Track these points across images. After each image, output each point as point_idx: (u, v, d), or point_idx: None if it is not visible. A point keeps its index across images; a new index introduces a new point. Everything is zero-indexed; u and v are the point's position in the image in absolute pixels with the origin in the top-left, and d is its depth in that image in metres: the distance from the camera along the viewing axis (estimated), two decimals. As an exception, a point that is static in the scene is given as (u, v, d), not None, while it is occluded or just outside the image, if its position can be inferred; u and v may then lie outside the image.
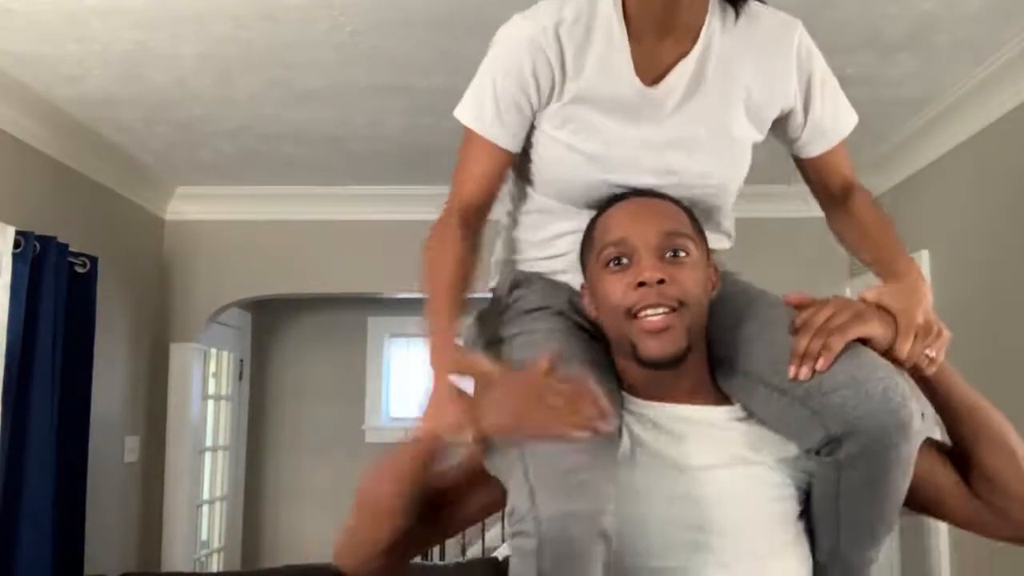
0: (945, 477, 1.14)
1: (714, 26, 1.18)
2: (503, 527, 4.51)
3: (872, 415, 1.02)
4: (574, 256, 1.23)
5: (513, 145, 1.22)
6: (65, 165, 3.28)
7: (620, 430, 1.11)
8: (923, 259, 3.31)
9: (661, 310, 1.10)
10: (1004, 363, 2.80)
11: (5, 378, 2.65)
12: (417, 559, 3.87)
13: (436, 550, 4.60)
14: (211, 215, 4.19)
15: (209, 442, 4.75)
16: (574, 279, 1.23)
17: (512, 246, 1.32)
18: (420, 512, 1.12)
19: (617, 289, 1.12)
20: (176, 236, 4.19)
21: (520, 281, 1.28)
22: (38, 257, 2.82)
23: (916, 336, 1.12)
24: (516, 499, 1.02)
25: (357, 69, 2.74)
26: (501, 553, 4.01)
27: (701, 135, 1.19)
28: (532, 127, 1.22)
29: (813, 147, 1.29)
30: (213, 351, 4.76)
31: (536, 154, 1.24)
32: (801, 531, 1.13)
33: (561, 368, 1.08)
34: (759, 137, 1.25)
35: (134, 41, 2.53)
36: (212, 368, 4.83)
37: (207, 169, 3.82)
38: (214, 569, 4.79)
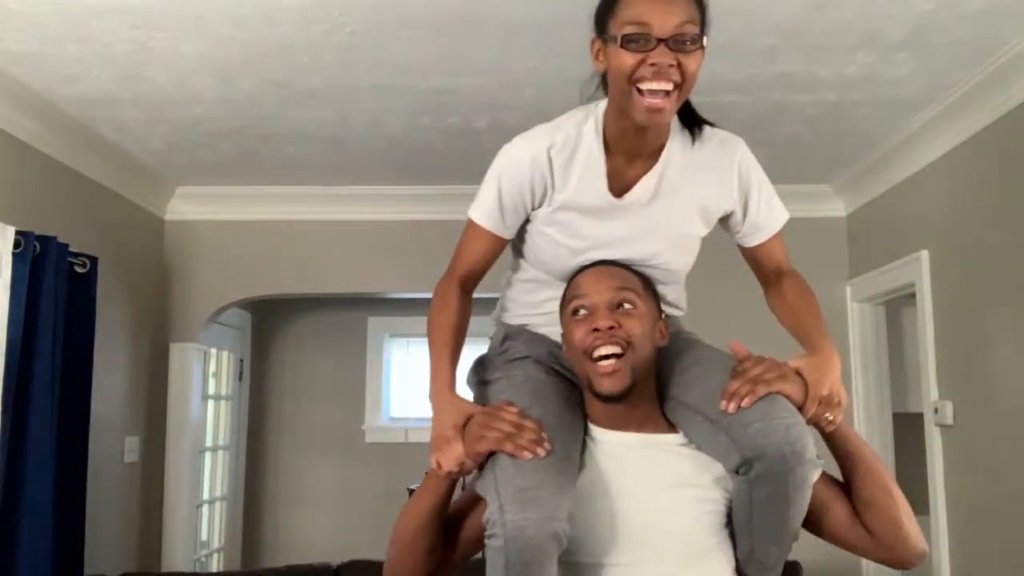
0: (838, 504, 1.45)
1: (673, 148, 1.50)
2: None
3: (775, 445, 1.31)
4: (557, 325, 1.54)
5: (508, 235, 1.57)
6: (65, 165, 3.28)
7: (582, 453, 1.45)
8: (923, 259, 3.32)
9: (612, 355, 1.41)
10: (1003, 362, 2.80)
11: (5, 378, 2.64)
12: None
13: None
14: (211, 215, 4.19)
15: (209, 442, 4.75)
16: (555, 333, 1.55)
17: (509, 303, 1.67)
18: (445, 538, 1.46)
19: (579, 334, 1.45)
20: (176, 236, 4.19)
21: (510, 334, 1.63)
22: (38, 257, 2.82)
23: (820, 403, 1.40)
24: (490, 510, 1.33)
25: (357, 69, 2.74)
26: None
27: (654, 231, 1.52)
28: (527, 220, 1.56)
29: (751, 239, 1.62)
30: (213, 351, 4.76)
31: (531, 240, 1.58)
32: (726, 536, 1.43)
33: (516, 407, 1.41)
34: (706, 231, 1.58)
35: (134, 41, 2.53)
36: (212, 368, 4.82)
37: (207, 169, 3.82)
38: (214, 569, 4.79)
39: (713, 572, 1.41)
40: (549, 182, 1.50)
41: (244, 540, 5.25)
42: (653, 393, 1.50)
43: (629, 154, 1.49)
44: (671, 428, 1.49)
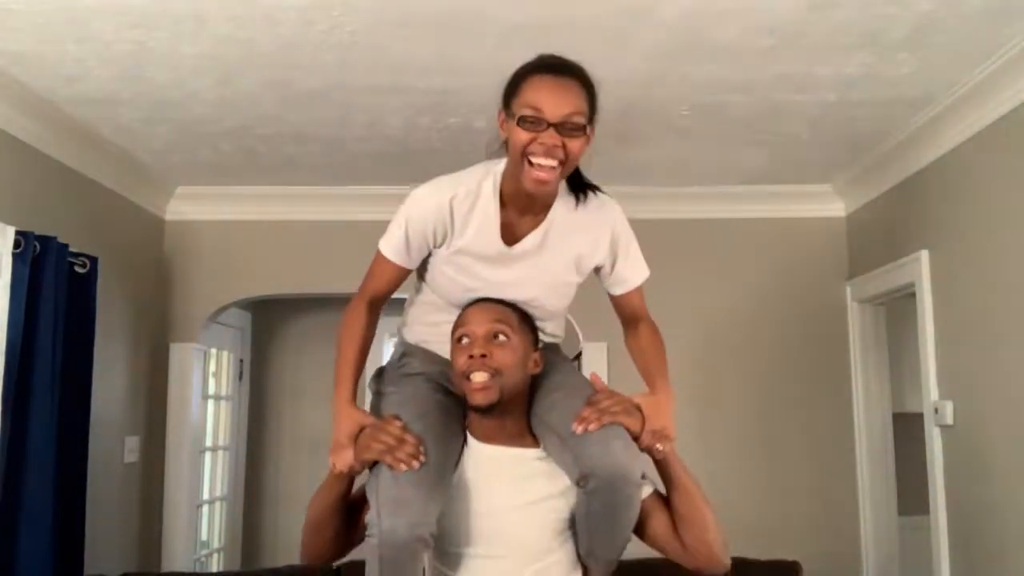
0: (661, 517, 1.73)
1: (559, 207, 1.77)
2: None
3: (607, 466, 1.59)
4: (449, 336, 1.78)
5: (412, 266, 1.84)
6: (65, 165, 3.28)
7: (458, 462, 1.71)
8: (923, 259, 3.32)
9: (484, 375, 1.67)
10: (1003, 362, 2.80)
11: (5, 378, 2.64)
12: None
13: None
14: (211, 215, 4.19)
15: (209, 442, 4.75)
16: (447, 351, 1.79)
17: (411, 320, 1.93)
18: (348, 522, 1.72)
19: (460, 359, 1.71)
20: (176, 236, 4.19)
21: (408, 352, 1.90)
22: (38, 257, 2.82)
23: (653, 435, 1.66)
24: (370, 513, 1.58)
25: (357, 69, 2.74)
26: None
27: (537, 277, 1.78)
28: (429, 255, 1.81)
29: (616, 289, 1.89)
30: (213, 351, 4.76)
31: (431, 272, 1.84)
32: (569, 536, 1.71)
33: (401, 422, 1.65)
34: (580, 280, 1.85)
35: (134, 41, 2.53)
36: (212, 368, 4.82)
37: (207, 169, 3.82)
38: (214, 569, 4.79)
39: (555, 565, 1.69)
40: (449, 228, 1.74)
41: (244, 540, 5.25)
42: (523, 411, 1.76)
43: (521, 209, 1.74)
44: (535, 442, 1.75)
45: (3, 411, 2.63)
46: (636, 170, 3.76)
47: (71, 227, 3.17)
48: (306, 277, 4.23)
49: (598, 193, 1.81)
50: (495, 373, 1.67)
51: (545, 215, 1.76)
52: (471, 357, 1.68)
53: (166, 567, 3.96)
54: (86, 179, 3.44)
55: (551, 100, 1.61)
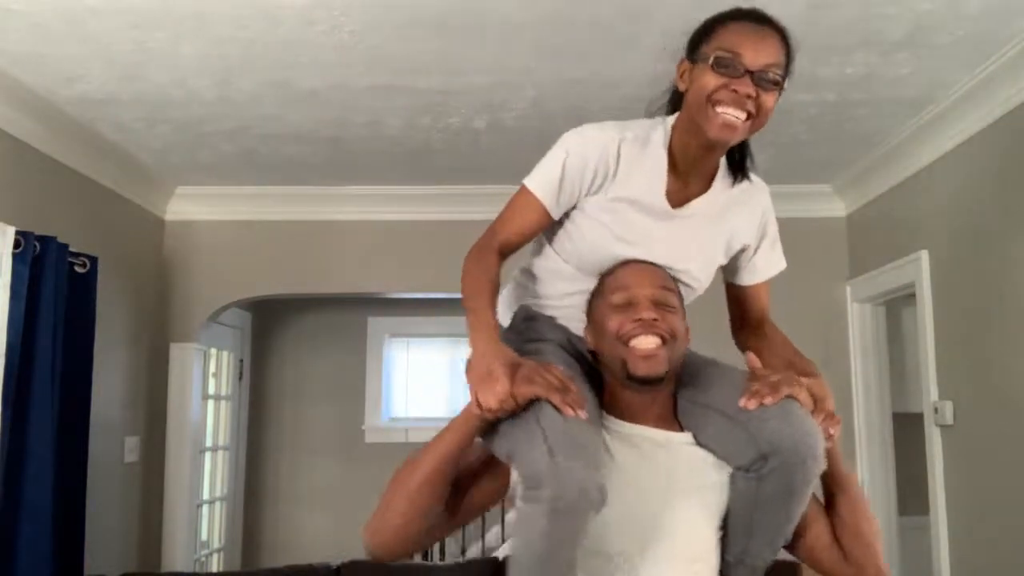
0: (821, 522, 1.51)
1: (722, 181, 1.60)
2: (503, 528, 4.51)
3: (791, 439, 1.37)
4: (573, 312, 1.60)
5: (556, 215, 1.58)
6: (65, 165, 3.28)
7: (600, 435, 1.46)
8: (923, 259, 3.32)
9: (655, 340, 1.45)
10: (1003, 362, 2.80)
11: (5, 378, 2.64)
12: (417, 558, 3.87)
13: (436, 549, 4.60)
14: (211, 215, 4.19)
15: (209, 442, 4.75)
16: (570, 325, 1.61)
17: (526, 291, 1.69)
18: (447, 500, 1.41)
19: (617, 321, 1.48)
20: (176, 236, 4.19)
21: (531, 316, 1.65)
22: (38, 257, 2.82)
23: (825, 416, 1.45)
24: (534, 460, 1.29)
25: (357, 69, 2.74)
26: (501, 553, 4.01)
27: (693, 247, 1.60)
28: (573, 207, 1.58)
29: (749, 278, 1.70)
30: (213, 351, 4.76)
31: (575, 228, 1.59)
32: (718, 540, 1.48)
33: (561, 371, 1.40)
34: (724, 262, 1.67)
35: (134, 41, 2.53)
36: (212, 368, 4.82)
37: (207, 169, 3.82)
38: (214, 569, 4.79)
39: (709, 566, 1.47)
40: (612, 172, 1.54)
41: (244, 540, 5.25)
42: (671, 393, 1.55)
43: (686, 172, 1.57)
44: (681, 428, 1.53)
45: (3, 411, 2.64)
46: (636, 170, 3.76)
47: (71, 227, 3.17)
48: (306, 277, 4.23)
49: (752, 174, 1.65)
50: (666, 339, 1.46)
51: (708, 185, 1.59)
52: (638, 320, 1.46)
53: (166, 567, 3.96)
54: (86, 179, 3.44)
55: (752, 46, 1.45)
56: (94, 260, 3.20)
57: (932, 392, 3.24)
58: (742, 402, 1.41)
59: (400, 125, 3.25)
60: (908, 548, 3.87)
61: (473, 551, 4.75)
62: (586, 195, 1.56)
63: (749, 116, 1.45)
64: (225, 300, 4.25)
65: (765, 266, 1.69)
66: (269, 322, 5.53)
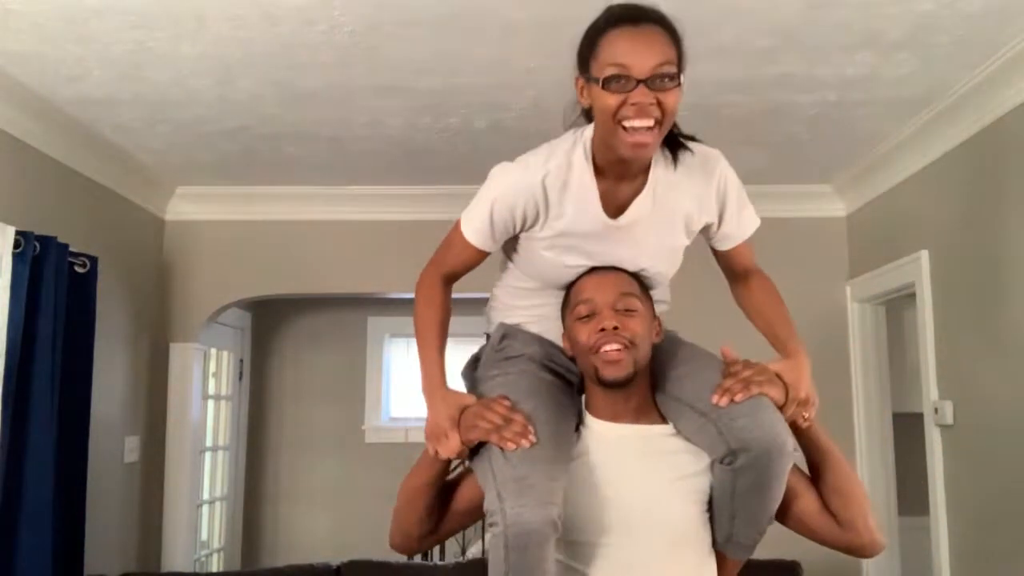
0: (808, 493, 1.59)
1: (658, 168, 1.59)
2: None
3: (760, 439, 1.44)
4: (548, 323, 1.69)
5: (494, 249, 1.67)
6: (65, 165, 3.28)
7: (581, 442, 1.59)
8: (923, 259, 3.32)
9: (617, 347, 1.53)
10: (1003, 362, 2.80)
11: (5, 378, 2.64)
12: (417, 558, 3.87)
13: (436, 550, 4.60)
14: (211, 215, 4.19)
15: (209, 442, 4.74)
16: (547, 332, 1.70)
17: (502, 305, 1.77)
18: (440, 499, 1.60)
19: (585, 334, 1.57)
20: (176, 236, 4.19)
21: (507, 334, 1.72)
22: (38, 257, 2.82)
23: (797, 404, 1.53)
24: (488, 499, 1.44)
25: (357, 69, 2.74)
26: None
27: (647, 245, 1.63)
28: (517, 237, 1.65)
29: (723, 244, 1.73)
30: (213, 351, 4.76)
31: (527, 256, 1.67)
32: (706, 520, 1.57)
33: (508, 401, 1.53)
34: (688, 242, 1.69)
35: (134, 41, 2.53)
36: (212, 368, 4.82)
37: (207, 169, 3.82)
38: (214, 569, 4.79)
39: (693, 553, 1.56)
40: (543, 209, 1.58)
41: (244, 540, 5.25)
42: (647, 386, 1.63)
43: (618, 176, 1.57)
44: (662, 419, 1.62)
45: (3, 411, 2.64)
46: (636, 170, 3.76)
47: (71, 227, 3.17)
48: (306, 277, 4.23)
49: (696, 144, 1.64)
50: (628, 344, 1.54)
51: (646, 178, 1.58)
52: (602, 330, 1.54)
53: (166, 567, 3.97)
54: (86, 179, 3.44)
55: (635, 54, 1.43)
56: (94, 260, 3.20)
57: (932, 392, 3.24)
58: (714, 399, 1.48)
59: (400, 125, 3.25)
60: (908, 548, 3.86)
61: (473, 551, 4.75)
62: (524, 230, 1.62)
63: (657, 121, 1.45)
64: (225, 300, 4.25)
65: (737, 230, 1.71)
66: (269, 322, 5.53)
